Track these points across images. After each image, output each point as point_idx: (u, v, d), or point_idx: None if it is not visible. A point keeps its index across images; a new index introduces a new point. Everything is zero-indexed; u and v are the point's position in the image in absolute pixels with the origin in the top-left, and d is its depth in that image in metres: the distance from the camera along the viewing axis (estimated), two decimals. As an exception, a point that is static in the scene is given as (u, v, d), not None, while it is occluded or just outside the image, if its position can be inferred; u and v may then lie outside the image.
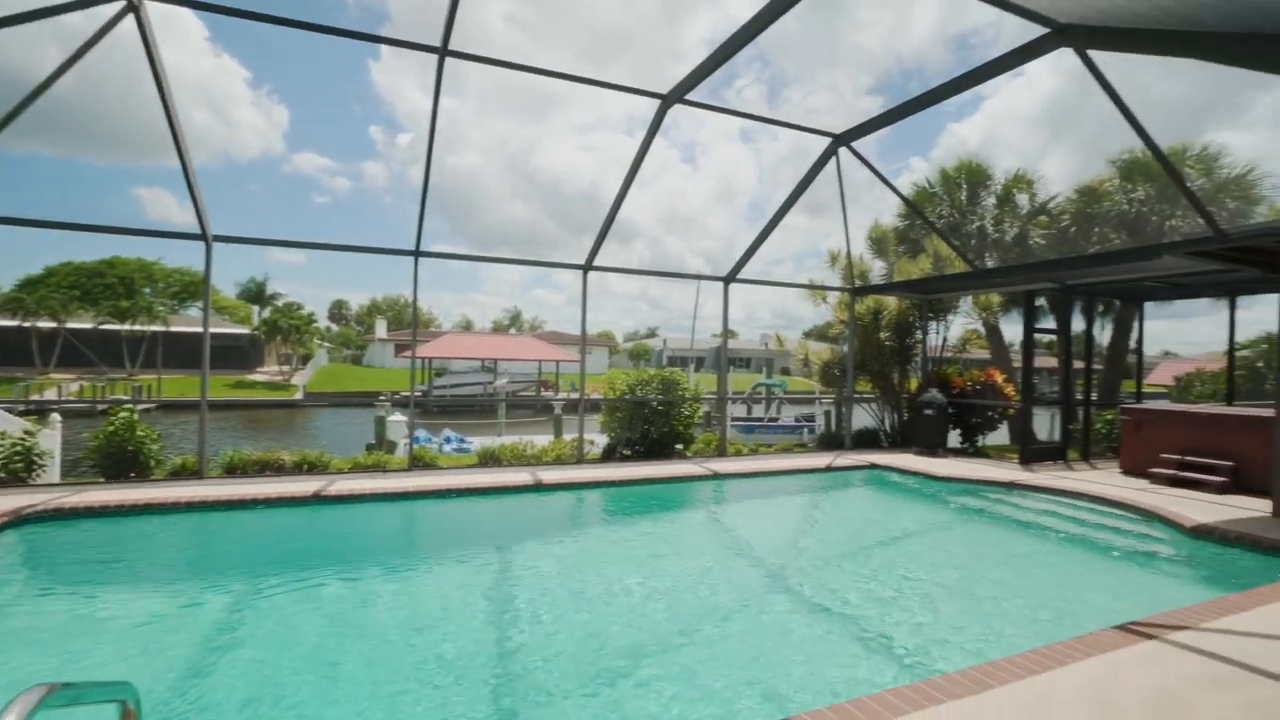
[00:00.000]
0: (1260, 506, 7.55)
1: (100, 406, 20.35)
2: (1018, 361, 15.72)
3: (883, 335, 13.01)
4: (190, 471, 8.43)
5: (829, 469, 10.15)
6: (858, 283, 13.41)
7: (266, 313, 53.87)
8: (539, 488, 8.18)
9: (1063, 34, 5.92)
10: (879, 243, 15.24)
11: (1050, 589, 5.48)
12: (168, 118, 6.94)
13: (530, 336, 46.48)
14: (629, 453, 10.91)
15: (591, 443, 11.10)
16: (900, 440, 13.18)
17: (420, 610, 4.65)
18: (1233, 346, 11.70)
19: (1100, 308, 16.88)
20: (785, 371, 60.13)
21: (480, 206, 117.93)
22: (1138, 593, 5.41)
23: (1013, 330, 18.07)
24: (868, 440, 13.06)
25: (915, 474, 9.79)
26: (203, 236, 8.10)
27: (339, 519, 6.97)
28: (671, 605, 4.86)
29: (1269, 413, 9.33)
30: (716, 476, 9.25)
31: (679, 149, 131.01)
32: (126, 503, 6.59)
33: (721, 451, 11.16)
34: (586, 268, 10.04)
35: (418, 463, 9.47)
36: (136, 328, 38.63)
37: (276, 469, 8.85)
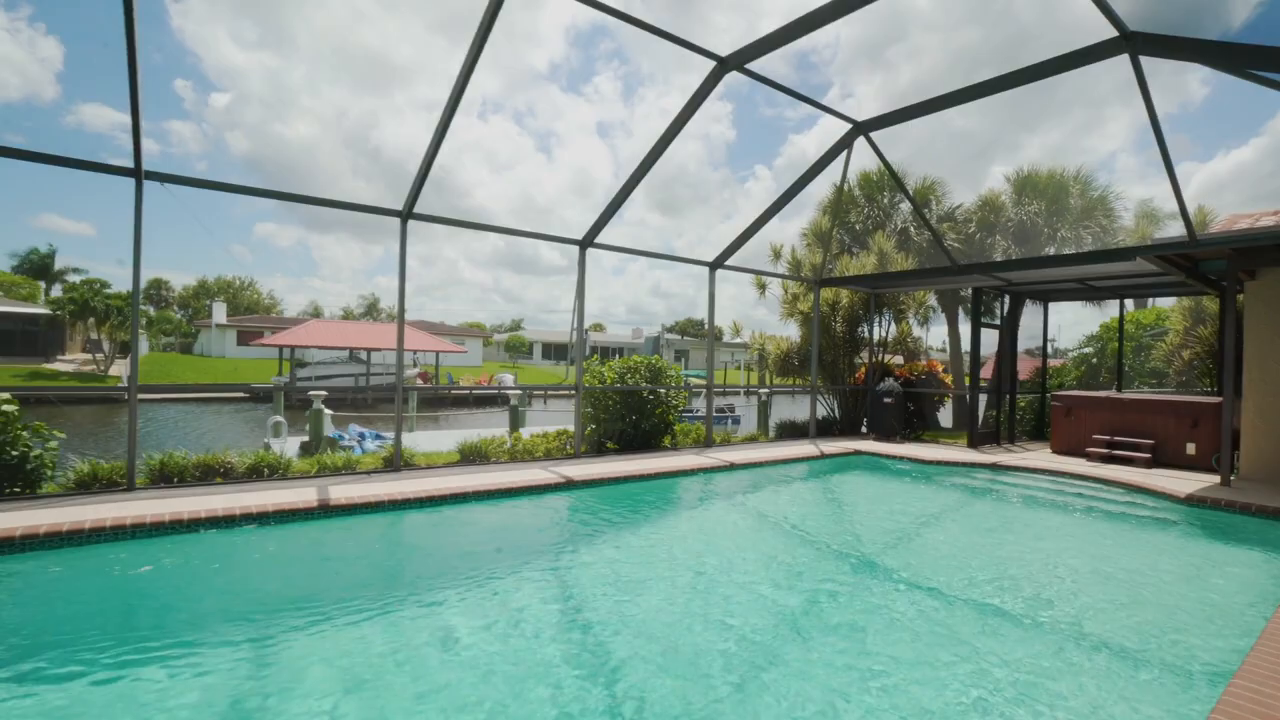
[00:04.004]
0: (1201, 478, 8.68)
1: None
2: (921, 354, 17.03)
3: (837, 327, 13.46)
4: (106, 482, 6.48)
5: (823, 456, 10.24)
6: (807, 274, 13.75)
7: (57, 290, 44.66)
8: (569, 485, 7.31)
9: (1128, 40, 6.30)
10: (823, 237, 15.78)
11: (1138, 561, 5.77)
12: None
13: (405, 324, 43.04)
14: (614, 445, 10.24)
15: (569, 435, 10.27)
16: (848, 428, 13.75)
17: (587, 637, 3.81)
18: (1122, 344, 13.56)
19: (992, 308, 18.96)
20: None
21: (315, 184, 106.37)
22: (1209, 557, 5.88)
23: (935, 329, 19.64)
24: (823, 429, 13.45)
25: (902, 459, 10.17)
26: (134, 171, 6.23)
27: (369, 532, 5.69)
28: (833, 600, 4.44)
29: (1181, 398, 10.86)
30: (733, 467, 8.93)
31: (535, 138, 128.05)
32: (84, 525, 4.82)
33: (708, 442, 10.85)
34: (585, 244, 9.21)
35: (391, 463, 8.11)
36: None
37: (224, 473, 7.12)
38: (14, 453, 6.09)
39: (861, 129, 8.79)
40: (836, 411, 14.04)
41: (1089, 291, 13.10)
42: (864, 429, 13.63)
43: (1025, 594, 4.73)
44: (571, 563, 5.20)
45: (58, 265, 52.04)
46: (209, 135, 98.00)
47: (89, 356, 35.58)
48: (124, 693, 2.99)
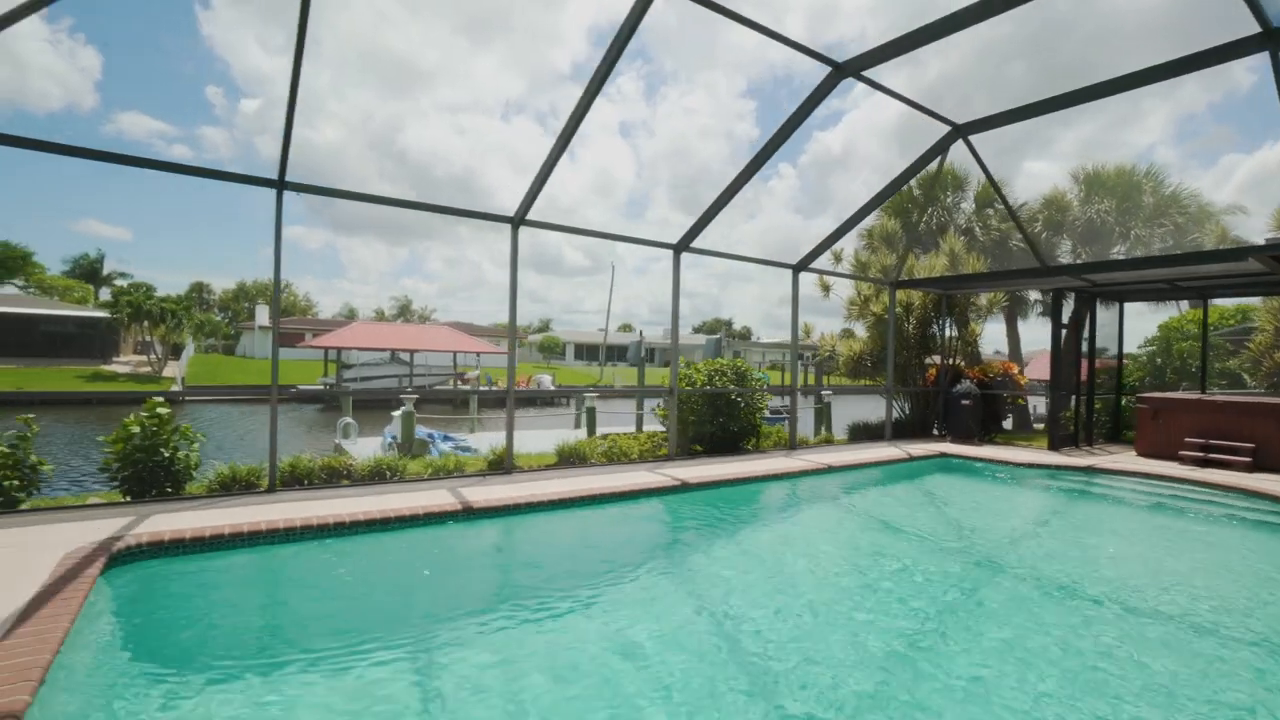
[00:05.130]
0: (1319, 483, 8.46)
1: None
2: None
3: (910, 328, 13.37)
4: (244, 484, 6.69)
5: (911, 459, 10.18)
6: (875, 274, 13.68)
7: (106, 294, 46.03)
8: (686, 488, 7.38)
9: (1270, 36, 6.19)
10: (889, 240, 15.68)
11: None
12: None
13: (445, 326, 43.52)
14: (699, 447, 10.29)
15: (659, 436, 10.35)
16: (919, 429, 13.64)
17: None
18: (1205, 344, 13.28)
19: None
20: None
21: (344, 187, 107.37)
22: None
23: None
24: (895, 430, 13.37)
25: (990, 461, 10.07)
26: (277, 182, 6.43)
27: (532, 532, 5.95)
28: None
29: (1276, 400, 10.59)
30: (830, 470, 8.93)
31: (557, 138, 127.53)
32: (243, 528, 4.99)
33: (792, 444, 10.86)
34: (680, 248, 9.27)
35: (499, 466, 8.25)
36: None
37: (347, 475, 7.30)
38: (165, 454, 6.32)
39: (961, 132, 8.73)
40: (907, 413, 13.95)
41: (1172, 291, 12.85)
42: (936, 430, 13.52)
43: (1211, 605, 4.69)
44: (738, 554, 5.42)
45: (104, 270, 53.67)
46: (239, 140, 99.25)
47: (143, 358, 36.57)
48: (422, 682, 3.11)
